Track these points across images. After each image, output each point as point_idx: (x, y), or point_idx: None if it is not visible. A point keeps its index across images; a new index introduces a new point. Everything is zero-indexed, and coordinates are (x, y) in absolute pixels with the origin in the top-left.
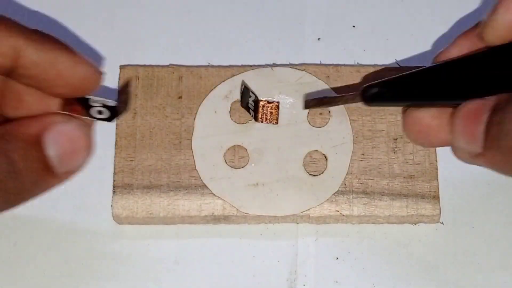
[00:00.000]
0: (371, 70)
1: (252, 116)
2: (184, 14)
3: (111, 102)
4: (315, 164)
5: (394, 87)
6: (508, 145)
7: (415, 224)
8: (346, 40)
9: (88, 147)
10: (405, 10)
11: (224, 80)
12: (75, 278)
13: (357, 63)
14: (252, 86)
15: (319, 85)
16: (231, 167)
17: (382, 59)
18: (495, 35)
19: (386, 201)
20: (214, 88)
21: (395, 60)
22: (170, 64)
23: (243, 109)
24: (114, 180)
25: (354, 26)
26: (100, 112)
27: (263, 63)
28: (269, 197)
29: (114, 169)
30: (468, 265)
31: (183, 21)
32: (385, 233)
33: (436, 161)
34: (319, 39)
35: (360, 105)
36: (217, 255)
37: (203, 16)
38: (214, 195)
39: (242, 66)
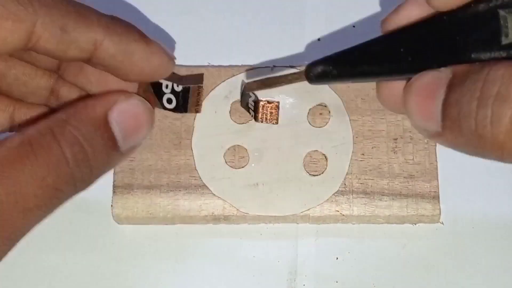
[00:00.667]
0: None
1: (252, 116)
2: (184, 14)
3: (179, 88)
4: (315, 164)
5: (339, 64)
6: (470, 127)
7: (415, 224)
8: (346, 40)
9: (149, 122)
10: None
11: (224, 80)
12: (75, 278)
13: None
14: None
15: (319, 85)
16: (231, 167)
17: None
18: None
19: (386, 201)
20: (214, 88)
21: None
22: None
23: (243, 109)
24: (114, 180)
25: (354, 26)
26: (169, 101)
27: (263, 63)
28: (269, 197)
29: (114, 169)
30: (468, 265)
31: (183, 21)
32: (385, 233)
33: (436, 161)
34: (319, 39)
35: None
36: (217, 255)
37: (203, 16)
38: (214, 195)
39: (242, 66)
